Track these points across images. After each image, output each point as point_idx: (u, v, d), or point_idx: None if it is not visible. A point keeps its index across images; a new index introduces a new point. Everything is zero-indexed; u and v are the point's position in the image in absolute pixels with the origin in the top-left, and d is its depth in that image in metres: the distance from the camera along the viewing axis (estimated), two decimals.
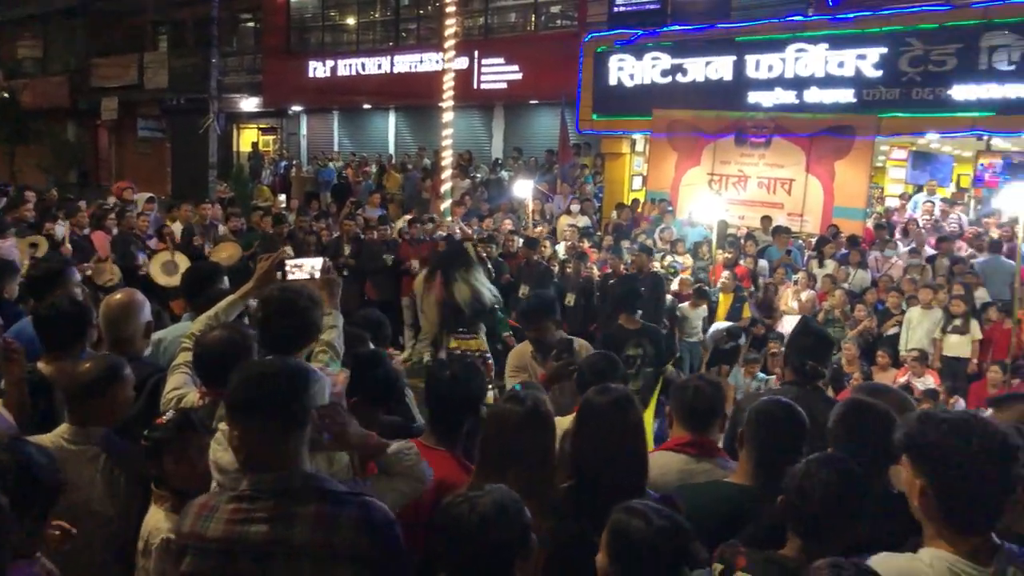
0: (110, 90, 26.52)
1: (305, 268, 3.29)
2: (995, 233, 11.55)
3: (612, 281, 9.43)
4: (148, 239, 10.30)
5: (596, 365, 4.17)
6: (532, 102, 18.84)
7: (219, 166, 22.05)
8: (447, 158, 14.08)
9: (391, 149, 21.89)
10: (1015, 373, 8.37)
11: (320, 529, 2.01)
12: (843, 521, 2.21)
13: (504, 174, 17.23)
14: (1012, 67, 11.41)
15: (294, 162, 22.93)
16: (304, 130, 24.68)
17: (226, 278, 4.28)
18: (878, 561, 1.95)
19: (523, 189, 12.81)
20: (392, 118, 22.37)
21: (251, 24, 25.65)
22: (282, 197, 18.47)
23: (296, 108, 24.04)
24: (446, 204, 13.69)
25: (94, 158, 29.11)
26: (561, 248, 11.60)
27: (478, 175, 17.62)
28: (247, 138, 26.65)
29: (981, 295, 9.73)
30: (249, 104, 24.44)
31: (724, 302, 10.21)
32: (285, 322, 2.79)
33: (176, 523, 2.22)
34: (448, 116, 13.95)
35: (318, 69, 22.25)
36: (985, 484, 1.84)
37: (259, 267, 3.42)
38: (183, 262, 8.73)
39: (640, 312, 6.26)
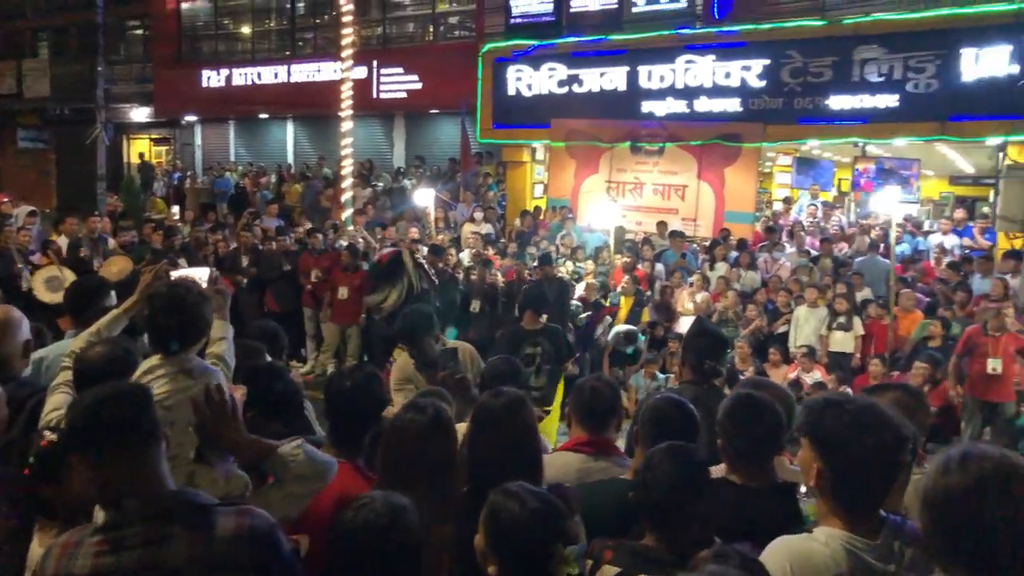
0: None
1: (191, 279, 3.25)
2: (874, 233, 12.30)
3: (523, 287, 9.65)
4: (31, 254, 9.82)
5: (497, 368, 4.27)
6: (433, 111, 18.87)
7: (108, 178, 21.18)
8: (347, 167, 13.95)
9: (290, 159, 21.50)
10: (893, 365, 8.93)
11: (197, 545, 1.92)
12: (686, 510, 2.27)
13: (407, 183, 17.19)
14: (882, 79, 12.16)
15: (188, 173, 22.24)
16: (199, 140, 23.94)
17: (114, 293, 4.13)
18: (776, 545, 2.06)
19: (425, 197, 12.82)
20: (291, 128, 21.97)
21: (140, 31, 24.75)
22: (176, 209, 17.88)
23: (190, 118, 23.30)
24: (347, 213, 13.56)
25: None
26: (466, 255, 11.67)
27: (380, 184, 17.52)
28: (138, 149, 25.66)
29: (864, 293, 10.31)
30: (140, 114, 23.57)
31: (625, 305, 10.49)
32: (173, 319, 2.70)
33: (39, 566, 2.06)
34: (347, 125, 13.82)
35: (212, 78, 21.68)
36: (877, 470, 1.98)
37: (142, 280, 3.34)
38: (70, 277, 8.35)
39: (545, 316, 6.47)
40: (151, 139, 25.86)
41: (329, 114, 15.83)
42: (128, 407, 1.99)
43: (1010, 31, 10.42)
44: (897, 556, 1.98)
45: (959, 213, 13.24)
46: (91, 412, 1.97)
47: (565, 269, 11.19)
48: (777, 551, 2.03)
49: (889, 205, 9.73)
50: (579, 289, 10.67)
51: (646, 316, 10.45)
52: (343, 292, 10.34)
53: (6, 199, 12.31)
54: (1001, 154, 12.01)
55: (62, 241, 10.37)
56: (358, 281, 10.39)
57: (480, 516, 2.11)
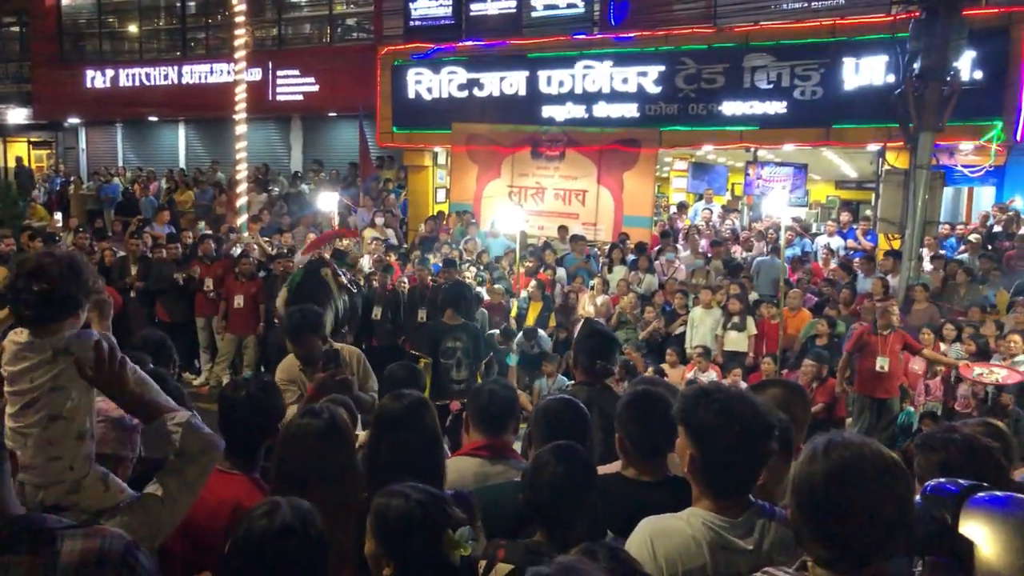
0: None
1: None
2: (771, 236, 12.76)
3: (442, 288, 9.64)
4: None
5: (396, 374, 4.23)
6: (331, 114, 18.56)
7: None
8: (242, 172, 13.55)
9: (182, 163, 20.74)
10: (784, 363, 9.26)
11: (36, 573, 1.78)
12: (573, 509, 2.33)
13: (304, 187, 16.83)
14: (771, 86, 12.65)
15: (72, 178, 21.14)
16: (83, 143, 22.82)
17: None
18: (640, 524, 2.15)
19: (328, 202, 12.54)
20: (182, 130, 21.22)
21: (16, 29, 23.42)
22: (58, 216, 16.95)
23: (73, 120, 22.18)
24: (243, 219, 13.15)
25: None
26: (366, 261, 11.48)
27: (276, 189, 17.08)
28: (16, 152, 24.21)
29: (753, 295, 10.67)
30: (17, 116, 22.30)
31: (533, 310, 10.53)
32: (34, 288, 2.36)
33: None
34: (242, 128, 13.43)
35: (96, 79, 20.70)
36: (742, 455, 2.08)
37: None
38: None
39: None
40: (30, 142, 24.46)
41: (223, 117, 15.35)
42: None
43: (887, 44, 11.00)
44: (757, 535, 2.09)
45: (844, 216, 13.90)
46: None
47: (469, 275, 11.16)
48: (640, 530, 2.14)
49: (779, 208, 10.10)
50: (484, 294, 10.65)
51: (553, 321, 10.53)
52: (239, 300, 10.01)
53: None
54: (881, 159, 12.66)
55: None
56: (254, 289, 10.09)
57: (367, 523, 2.12)
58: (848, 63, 12.10)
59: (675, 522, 2.12)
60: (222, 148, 18.27)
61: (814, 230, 14.93)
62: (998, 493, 1.63)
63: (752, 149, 14.08)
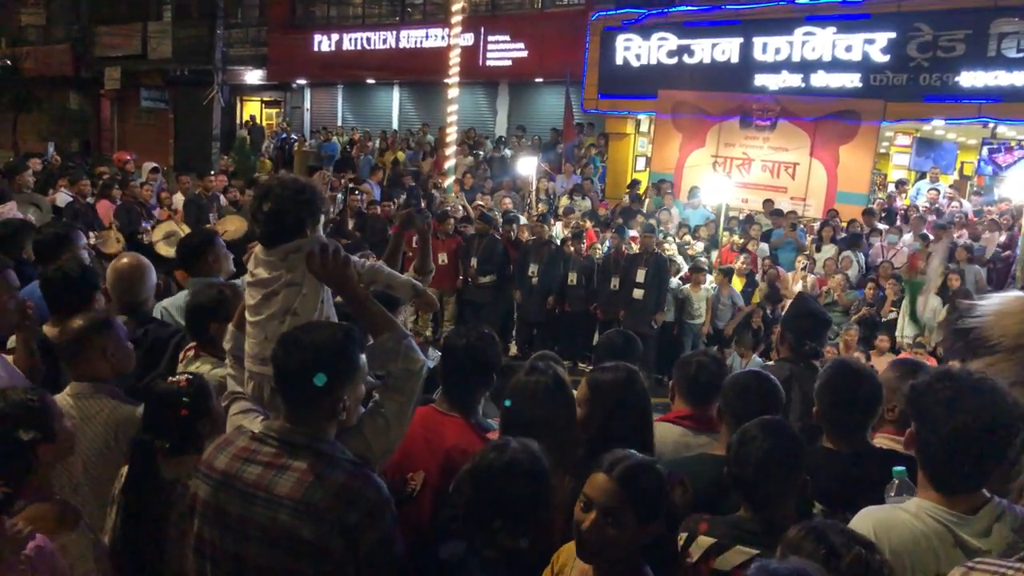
0: (113, 59, 26.34)
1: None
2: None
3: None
4: (153, 208, 10.30)
5: (614, 341, 4.17)
6: (537, 80, 18.76)
7: (222, 138, 21.97)
8: (452, 134, 14.05)
9: (395, 124, 21.81)
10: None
11: (302, 485, 2.01)
12: (780, 484, 2.26)
13: (507, 152, 17.20)
14: (1021, 54, 11.37)
15: (296, 136, 22.87)
16: (308, 104, 24.58)
17: (231, 256, 4.18)
18: (860, 515, 2.04)
19: (528, 167, 12.77)
20: (396, 93, 22.27)
21: None
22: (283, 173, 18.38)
23: (300, 81, 23.92)
24: (450, 180, 13.67)
25: (96, 127, 28.96)
26: (559, 228, 11.59)
27: (481, 153, 17.59)
28: (250, 110, 26.51)
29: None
30: (253, 77, 24.31)
31: (737, 286, 10.24)
32: (264, 208, 2.51)
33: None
34: (454, 92, 13.87)
35: (323, 43, 22.13)
36: (971, 450, 1.92)
37: None
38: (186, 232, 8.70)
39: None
40: (263, 101, 26.64)
41: (435, 81, 15.94)
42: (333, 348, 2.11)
43: None
44: (996, 536, 1.93)
45: None
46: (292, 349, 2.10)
47: (668, 246, 10.93)
48: (861, 521, 2.03)
49: (1020, 190, 9.12)
50: (684, 267, 10.46)
51: (757, 297, 10.18)
52: (442, 258, 10.45)
53: (130, 157, 12.89)
54: None
55: (177, 198, 10.83)
56: (454, 246, 10.48)
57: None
58: None
59: (900, 514, 2.00)
60: (433, 111, 19.01)
61: None
62: None
63: (991, 124, 12.76)
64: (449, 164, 13.87)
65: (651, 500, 2.07)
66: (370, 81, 22.12)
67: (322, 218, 2.69)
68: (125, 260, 3.65)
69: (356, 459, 2.13)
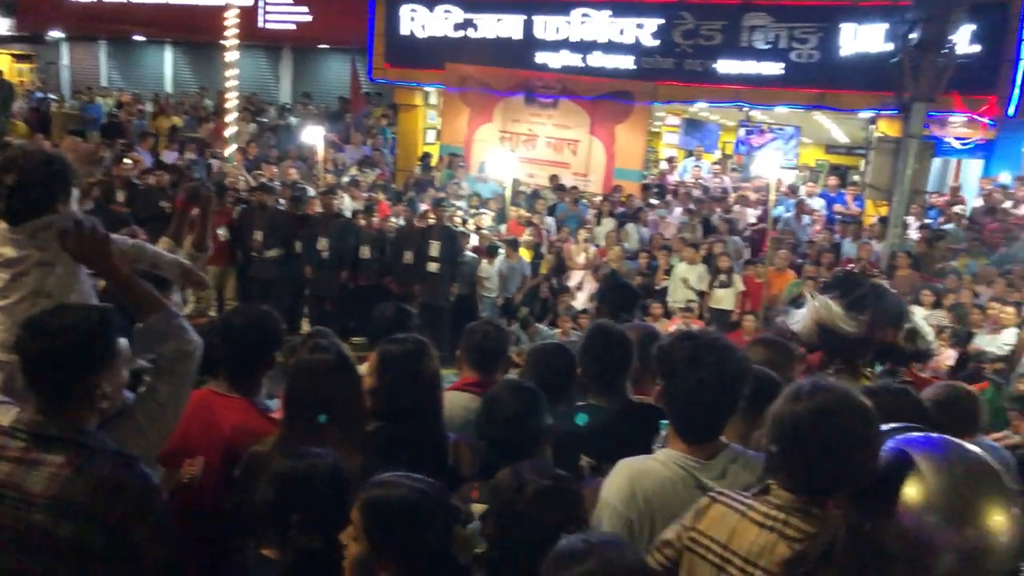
0: None
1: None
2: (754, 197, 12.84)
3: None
4: None
5: (385, 314, 4.22)
6: (322, 46, 18.25)
7: None
8: (232, 100, 13.34)
9: (168, 87, 20.36)
10: (766, 323, 9.40)
11: (57, 481, 1.89)
12: (528, 440, 2.46)
13: (292, 120, 16.61)
14: (768, 46, 12.59)
15: (53, 96, 20.67)
16: (66, 60, 22.28)
17: None
18: (618, 466, 2.22)
19: (314, 136, 12.39)
20: (169, 53, 20.81)
21: None
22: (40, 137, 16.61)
23: (55, 34, 21.60)
24: (231, 149, 13.00)
25: None
26: (347, 200, 11.40)
27: (265, 120, 16.85)
28: None
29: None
30: (0, 26, 21.68)
31: (525, 257, 10.56)
32: (7, 182, 2.32)
33: None
34: (232, 55, 13.16)
35: None
36: (712, 401, 2.14)
37: None
38: None
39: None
40: (11, 55, 23.84)
41: (211, 41, 15.04)
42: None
43: (887, 11, 10.95)
44: (731, 477, 2.17)
45: (832, 180, 13.96)
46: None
47: (458, 218, 11.08)
48: (619, 471, 2.21)
49: (770, 169, 10.15)
50: (474, 240, 10.66)
51: (544, 268, 10.58)
52: (222, 233, 9.94)
53: None
54: (872, 126, 12.70)
55: None
56: (235, 220, 10.03)
57: (354, 521, 1.93)
58: (847, 28, 12.03)
59: (652, 463, 2.20)
60: (211, 75, 17.92)
61: (801, 193, 15.01)
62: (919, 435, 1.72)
63: (745, 108, 14.04)
64: (230, 132, 13.17)
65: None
66: (138, 38, 20.46)
67: (75, 192, 2.48)
68: None
69: (119, 450, 2.01)
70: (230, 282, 10.23)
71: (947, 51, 9.66)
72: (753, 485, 1.86)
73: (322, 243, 9.79)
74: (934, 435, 1.71)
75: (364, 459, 2.41)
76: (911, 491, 1.57)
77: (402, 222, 10.50)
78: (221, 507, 2.51)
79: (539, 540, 1.79)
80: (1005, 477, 1.59)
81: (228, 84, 13.25)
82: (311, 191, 11.34)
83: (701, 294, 9.96)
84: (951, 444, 1.66)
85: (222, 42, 13.13)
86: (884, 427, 1.76)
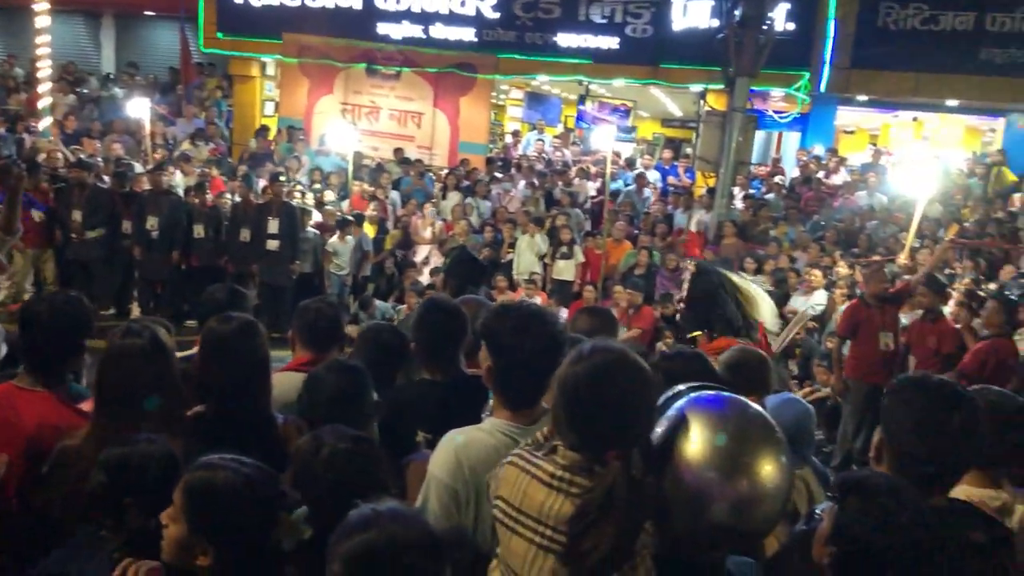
0: None
1: None
2: (593, 170, 13.23)
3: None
4: None
5: (216, 296, 4.08)
6: (148, 13, 17.13)
7: None
8: (44, 69, 12.30)
9: None
10: (604, 293, 9.75)
11: None
12: (353, 419, 2.47)
13: (117, 91, 15.51)
14: (605, 21, 12.93)
15: None
16: None
17: None
18: (446, 436, 2.26)
19: (140, 108, 11.62)
20: None
21: None
22: None
23: None
24: (46, 122, 12.01)
25: None
26: (179, 176, 10.84)
27: (86, 91, 15.65)
28: None
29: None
30: None
31: (369, 232, 10.41)
32: None
33: None
34: (44, 21, 12.13)
35: None
36: (535, 369, 2.19)
37: None
38: None
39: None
40: None
41: (20, 4, 13.78)
42: None
43: None
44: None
45: (666, 153, 14.58)
46: None
47: (302, 198, 10.75)
48: (445, 443, 2.25)
49: (607, 142, 10.48)
50: (316, 216, 10.39)
51: (389, 244, 10.47)
52: (36, 214, 9.21)
53: None
54: (702, 100, 13.34)
55: None
56: (51, 199, 9.33)
57: (176, 503, 1.89)
58: (677, 4, 12.57)
59: (478, 433, 2.24)
60: (21, 40, 16.36)
61: (638, 166, 15.61)
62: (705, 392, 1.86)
63: (584, 82, 14.38)
64: (43, 103, 12.17)
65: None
66: None
67: None
68: None
69: None
70: (48, 265, 9.53)
71: (766, 28, 10.30)
72: (543, 444, 1.93)
73: (151, 222, 9.27)
74: (724, 393, 1.84)
75: (186, 442, 2.35)
76: (688, 446, 1.70)
77: (238, 199, 10.08)
78: (28, 505, 2.39)
79: (335, 504, 1.79)
80: (777, 431, 1.74)
81: (39, 52, 12.22)
82: (138, 167, 10.70)
83: (544, 266, 10.19)
84: (733, 402, 1.80)
85: (33, 6, 12.07)
86: (683, 385, 1.89)
